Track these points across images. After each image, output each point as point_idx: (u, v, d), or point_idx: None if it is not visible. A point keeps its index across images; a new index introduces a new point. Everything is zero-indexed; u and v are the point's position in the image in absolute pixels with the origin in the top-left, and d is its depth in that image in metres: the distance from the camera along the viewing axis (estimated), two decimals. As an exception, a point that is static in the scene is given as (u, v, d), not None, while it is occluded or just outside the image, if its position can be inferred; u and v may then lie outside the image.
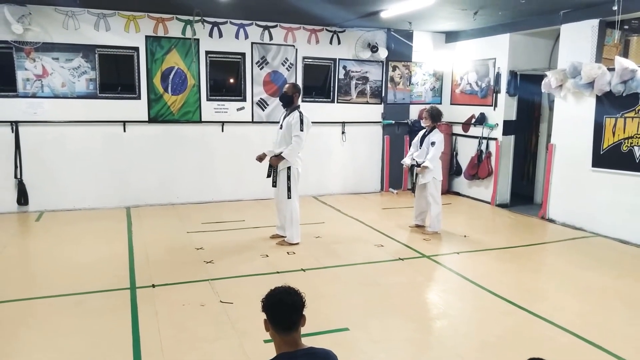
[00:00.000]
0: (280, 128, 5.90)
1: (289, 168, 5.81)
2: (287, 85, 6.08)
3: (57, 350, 3.54)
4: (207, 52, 8.01)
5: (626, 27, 6.64)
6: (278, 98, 6.59)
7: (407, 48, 9.15)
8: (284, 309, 2.02)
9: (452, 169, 9.30)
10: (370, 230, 6.82)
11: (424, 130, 6.69)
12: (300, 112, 5.77)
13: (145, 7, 7.44)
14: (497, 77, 8.29)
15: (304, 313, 2.07)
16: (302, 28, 8.51)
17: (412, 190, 6.90)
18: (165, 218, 7.27)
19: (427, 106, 7.13)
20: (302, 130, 5.69)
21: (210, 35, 7.99)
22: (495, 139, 8.43)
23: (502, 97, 8.26)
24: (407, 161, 6.79)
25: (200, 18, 7.78)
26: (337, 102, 8.96)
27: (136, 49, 7.64)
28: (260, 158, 6.04)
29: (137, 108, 7.78)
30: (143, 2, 7.11)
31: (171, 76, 7.87)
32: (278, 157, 5.76)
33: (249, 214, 7.47)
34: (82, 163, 7.59)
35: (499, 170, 8.40)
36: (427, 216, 6.77)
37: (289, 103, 5.90)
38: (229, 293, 4.50)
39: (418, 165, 6.55)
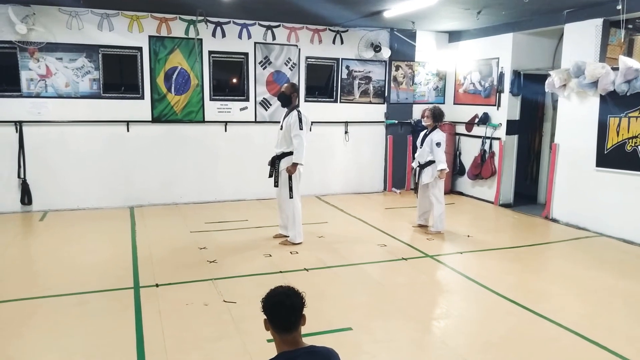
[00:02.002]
0: (281, 129, 5.91)
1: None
2: (285, 85, 6.08)
3: (60, 349, 3.55)
4: (210, 52, 8.02)
5: (630, 26, 6.62)
6: (277, 97, 6.58)
7: (410, 48, 9.14)
8: (283, 311, 2.03)
9: (455, 169, 9.29)
10: (373, 230, 6.81)
11: (425, 130, 6.70)
12: (298, 112, 5.78)
13: (149, 7, 7.45)
14: (501, 76, 8.27)
15: (304, 313, 2.07)
16: (305, 28, 8.51)
17: (415, 190, 6.90)
18: (168, 218, 7.28)
19: (430, 106, 7.12)
20: (301, 129, 5.69)
21: (214, 35, 8.00)
22: (498, 138, 8.41)
23: (506, 96, 8.24)
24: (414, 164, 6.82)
25: (203, 18, 7.80)
26: (340, 102, 8.95)
27: (139, 49, 7.65)
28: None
29: (141, 108, 7.79)
30: (146, 2, 7.12)
31: (174, 76, 7.88)
32: (294, 166, 5.75)
33: (251, 214, 7.48)
34: (86, 163, 7.61)
35: (503, 170, 8.38)
36: (430, 216, 6.77)
37: (287, 103, 5.91)
38: (232, 292, 4.50)
39: (421, 167, 6.56)
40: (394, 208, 8.23)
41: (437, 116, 6.58)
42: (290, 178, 5.82)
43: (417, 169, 6.68)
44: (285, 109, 5.97)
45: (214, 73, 8.13)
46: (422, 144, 6.63)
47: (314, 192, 8.81)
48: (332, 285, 4.85)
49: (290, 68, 8.51)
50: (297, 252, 5.72)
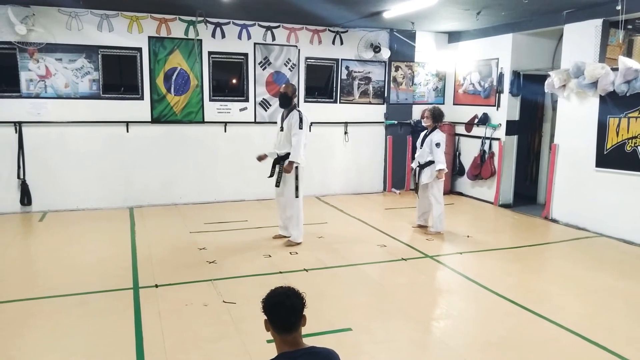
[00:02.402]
0: (281, 130, 5.90)
1: (296, 167, 5.81)
2: (285, 86, 6.08)
3: (60, 349, 3.55)
4: (209, 53, 8.02)
5: (630, 26, 6.62)
6: (278, 98, 6.58)
7: (409, 48, 9.14)
8: (283, 311, 2.03)
9: (455, 169, 9.29)
10: (373, 230, 6.81)
11: (425, 131, 6.71)
12: (299, 111, 5.81)
13: (148, 8, 7.45)
14: (500, 77, 8.28)
15: (304, 313, 2.07)
16: (304, 28, 8.51)
17: (415, 190, 6.90)
18: (168, 218, 7.28)
19: (430, 106, 7.12)
20: (300, 128, 5.70)
21: (213, 35, 7.99)
22: (498, 139, 8.41)
23: (505, 97, 8.24)
24: (413, 165, 6.82)
25: (203, 19, 7.80)
26: (340, 103, 8.96)
27: (139, 49, 7.65)
28: (261, 158, 6.05)
29: (140, 108, 7.79)
30: (146, 3, 7.12)
31: (174, 77, 7.88)
32: (291, 164, 5.75)
33: (251, 214, 7.47)
34: (85, 163, 7.61)
35: (502, 171, 8.38)
36: (430, 216, 6.77)
37: (287, 103, 5.91)
38: (232, 293, 4.50)
39: (421, 167, 6.57)
40: (394, 208, 8.23)
41: (436, 117, 6.58)
42: (296, 178, 5.82)
43: (417, 169, 6.68)
44: (283, 110, 5.97)
45: (214, 74, 8.13)
46: (422, 145, 6.63)
47: (314, 193, 8.81)
48: (332, 285, 4.85)
49: (290, 69, 8.51)
50: (296, 253, 5.72)
